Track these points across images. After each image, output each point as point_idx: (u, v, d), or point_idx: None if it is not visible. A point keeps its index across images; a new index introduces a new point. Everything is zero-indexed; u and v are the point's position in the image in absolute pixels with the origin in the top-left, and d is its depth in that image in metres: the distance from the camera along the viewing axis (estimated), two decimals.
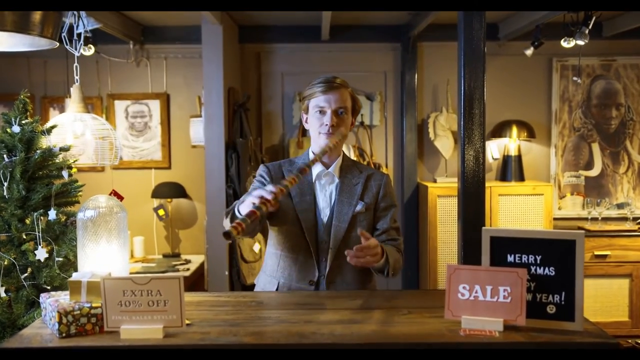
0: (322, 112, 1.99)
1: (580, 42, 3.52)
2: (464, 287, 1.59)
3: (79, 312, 1.60)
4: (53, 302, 1.67)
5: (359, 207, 2.05)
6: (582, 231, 1.61)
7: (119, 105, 4.64)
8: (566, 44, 3.69)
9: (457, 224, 2.74)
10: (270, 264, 2.15)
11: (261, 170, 2.13)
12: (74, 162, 2.70)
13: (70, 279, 1.72)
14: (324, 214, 2.06)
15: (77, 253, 1.96)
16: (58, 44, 1.93)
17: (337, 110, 1.99)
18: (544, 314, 1.58)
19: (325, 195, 2.07)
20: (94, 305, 1.63)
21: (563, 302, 1.57)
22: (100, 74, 4.64)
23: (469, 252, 2.61)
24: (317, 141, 2.05)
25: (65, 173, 2.47)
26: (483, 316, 1.54)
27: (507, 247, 1.64)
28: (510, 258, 1.63)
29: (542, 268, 1.60)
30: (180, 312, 1.55)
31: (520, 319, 1.53)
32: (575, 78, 4.21)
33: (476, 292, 1.57)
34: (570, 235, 1.58)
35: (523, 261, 1.62)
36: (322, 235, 2.05)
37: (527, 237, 1.63)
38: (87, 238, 1.96)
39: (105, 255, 1.95)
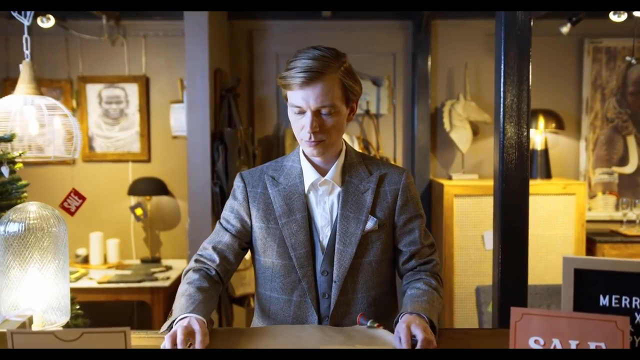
0: (300, 112, 1.48)
1: None
2: (536, 341, 1.16)
3: None
4: None
5: (370, 225, 1.55)
6: None
7: (92, 90, 4.28)
8: (616, 17, 3.18)
9: (493, 228, 2.28)
10: (259, 309, 1.66)
11: (236, 183, 1.67)
12: (21, 155, 2.33)
13: None
14: (324, 234, 1.57)
15: None
16: None
17: (318, 111, 1.47)
18: None
19: (325, 209, 1.57)
20: None
21: None
22: (69, 53, 4.28)
23: (510, 269, 2.15)
24: (301, 145, 1.57)
25: (4, 170, 2.11)
26: None
27: (600, 284, 1.23)
28: (603, 301, 1.24)
29: None
30: None
31: None
32: (629, 58, 3.75)
33: (555, 348, 1.15)
34: None
35: (623, 305, 1.22)
36: (321, 265, 1.57)
37: (629, 272, 1.20)
38: (10, 261, 1.51)
39: (35, 285, 1.51)
